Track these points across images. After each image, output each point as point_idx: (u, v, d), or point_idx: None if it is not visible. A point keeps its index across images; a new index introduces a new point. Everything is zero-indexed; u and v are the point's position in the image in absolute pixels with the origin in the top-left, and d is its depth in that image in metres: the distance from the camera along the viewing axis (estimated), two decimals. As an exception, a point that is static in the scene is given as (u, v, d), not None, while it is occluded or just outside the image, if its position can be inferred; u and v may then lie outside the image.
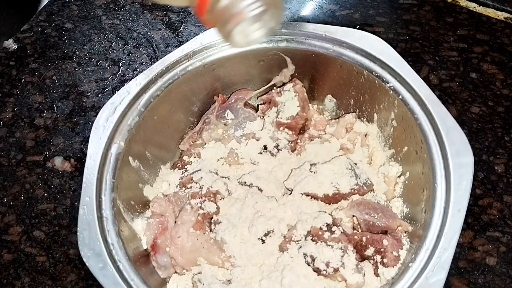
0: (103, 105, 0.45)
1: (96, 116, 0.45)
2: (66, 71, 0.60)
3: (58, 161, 0.54)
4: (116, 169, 0.43)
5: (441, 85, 0.56)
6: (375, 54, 0.45)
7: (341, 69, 0.48)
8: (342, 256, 0.41)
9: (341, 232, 0.43)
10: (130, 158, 0.45)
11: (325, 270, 0.41)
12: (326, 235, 0.42)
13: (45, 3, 0.67)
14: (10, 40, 0.63)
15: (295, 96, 0.49)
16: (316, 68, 0.49)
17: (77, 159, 0.54)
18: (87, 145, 0.43)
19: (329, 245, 0.42)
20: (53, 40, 0.63)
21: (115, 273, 0.39)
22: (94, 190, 0.42)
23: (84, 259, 0.39)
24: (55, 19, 0.65)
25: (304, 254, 0.42)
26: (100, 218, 0.41)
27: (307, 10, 0.64)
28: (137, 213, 0.46)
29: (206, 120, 0.51)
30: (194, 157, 0.50)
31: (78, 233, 0.40)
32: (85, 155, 0.42)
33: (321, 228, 0.43)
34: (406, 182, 0.46)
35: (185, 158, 0.50)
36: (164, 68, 0.47)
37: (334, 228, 0.43)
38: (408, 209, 0.45)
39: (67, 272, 0.48)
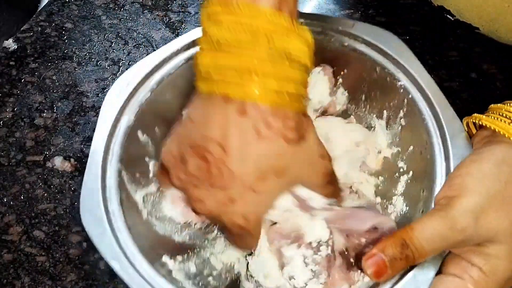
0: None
1: (96, 116, 0.45)
2: (66, 71, 0.60)
3: (58, 161, 0.54)
4: (124, 142, 0.44)
5: (441, 85, 0.56)
6: (389, 51, 0.46)
7: (355, 63, 0.48)
8: (309, 279, 0.41)
9: (326, 255, 0.42)
10: (139, 132, 0.46)
11: (287, 281, 0.41)
12: (310, 252, 0.42)
13: (45, 3, 0.67)
14: (10, 40, 0.63)
15: (325, 77, 0.48)
16: (330, 61, 0.49)
17: (77, 159, 0.54)
18: (87, 145, 0.43)
19: (305, 263, 0.41)
20: (53, 40, 0.63)
21: (113, 240, 0.39)
22: (100, 159, 0.42)
23: (84, 224, 0.39)
24: (55, 19, 0.65)
25: (278, 254, 0.42)
26: (104, 187, 0.41)
27: (306, 10, 0.64)
28: (141, 186, 0.46)
29: None
30: None
31: (80, 200, 0.40)
32: (85, 155, 0.43)
33: (310, 243, 0.42)
34: (409, 181, 0.46)
35: None
36: (179, 48, 0.47)
37: (322, 248, 0.42)
38: (407, 208, 0.45)
39: (67, 272, 0.48)
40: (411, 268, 0.37)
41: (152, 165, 0.47)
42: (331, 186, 0.42)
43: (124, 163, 0.43)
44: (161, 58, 0.47)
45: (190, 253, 0.45)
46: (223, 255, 0.45)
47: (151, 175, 0.47)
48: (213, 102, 0.35)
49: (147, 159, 0.47)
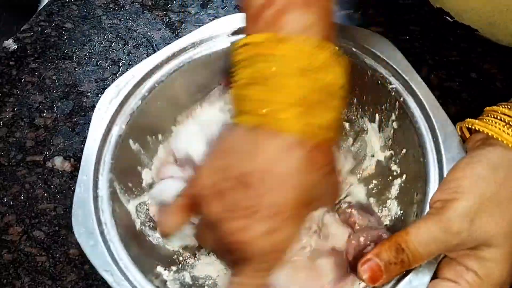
0: (103, 105, 0.45)
1: (96, 116, 0.45)
2: (66, 71, 0.60)
3: (58, 161, 0.54)
4: (116, 151, 0.44)
5: (441, 85, 0.56)
6: (380, 54, 0.45)
7: (346, 67, 0.47)
8: None
9: None
10: (131, 141, 0.46)
11: None
12: None
13: (45, 3, 0.67)
14: (10, 40, 0.63)
15: None
16: None
17: (77, 159, 0.54)
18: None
19: None
20: (53, 40, 0.63)
21: (105, 251, 0.39)
22: (91, 170, 0.42)
23: (76, 236, 0.39)
24: (55, 19, 0.65)
25: None
26: (96, 197, 0.41)
27: (307, 10, 0.64)
28: (134, 196, 0.46)
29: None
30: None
31: (72, 211, 0.40)
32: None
33: None
34: (402, 184, 0.46)
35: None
36: (170, 55, 0.47)
37: None
38: (401, 211, 0.45)
39: (67, 272, 0.48)
40: (407, 272, 0.37)
41: (144, 174, 0.48)
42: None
43: (116, 173, 0.43)
44: (152, 66, 0.47)
45: (184, 262, 0.45)
46: (219, 264, 0.45)
47: (143, 184, 0.47)
48: (257, 135, 0.35)
49: (139, 168, 0.47)
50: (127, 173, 0.45)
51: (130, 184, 0.45)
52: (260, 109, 0.34)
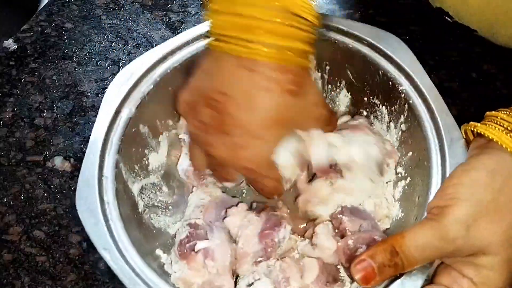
0: (103, 105, 0.45)
1: (96, 116, 0.45)
2: (66, 71, 0.60)
3: (58, 161, 0.54)
4: (124, 133, 0.44)
5: (441, 85, 0.56)
6: (393, 55, 0.45)
7: (359, 66, 0.48)
8: None
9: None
10: (140, 125, 0.46)
11: None
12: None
13: (45, 3, 0.67)
14: (10, 40, 0.63)
15: None
16: (335, 63, 0.49)
17: (77, 159, 0.54)
18: (87, 145, 0.43)
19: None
20: (53, 40, 0.63)
21: (106, 230, 0.39)
22: (98, 149, 0.42)
23: (79, 213, 0.39)
24: (55, 19, 0.65)
25: None
26: (100, 177, 0.41)
27: (307, 10, 0.64)
28: (140, 178, 0.46)
29: None
30: None
31: (77, 188, 0.40)
32: (85, 154, 0.43)
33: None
34: (406, 187, 0.45)
35: None
36: (184, 42, 0.47)
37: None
38: (403, 214, 0.45)
39: (67, 272, 0.48)
40: (400, 275, 0.36)
41: (151, 158, 0.48)
42: (328, 127, 0.45)
43: (123, 154, 0.43)
44: (165, 52, 0.47)
45: None
46: None
47: (150, 167, 0.47)
48: (223, 58, 0.39)
49: (146, 151, 0.47)
50: (134, 156, 0.46)
51: (136, 167, 0.46)
52: (224, 36, 0.38)
